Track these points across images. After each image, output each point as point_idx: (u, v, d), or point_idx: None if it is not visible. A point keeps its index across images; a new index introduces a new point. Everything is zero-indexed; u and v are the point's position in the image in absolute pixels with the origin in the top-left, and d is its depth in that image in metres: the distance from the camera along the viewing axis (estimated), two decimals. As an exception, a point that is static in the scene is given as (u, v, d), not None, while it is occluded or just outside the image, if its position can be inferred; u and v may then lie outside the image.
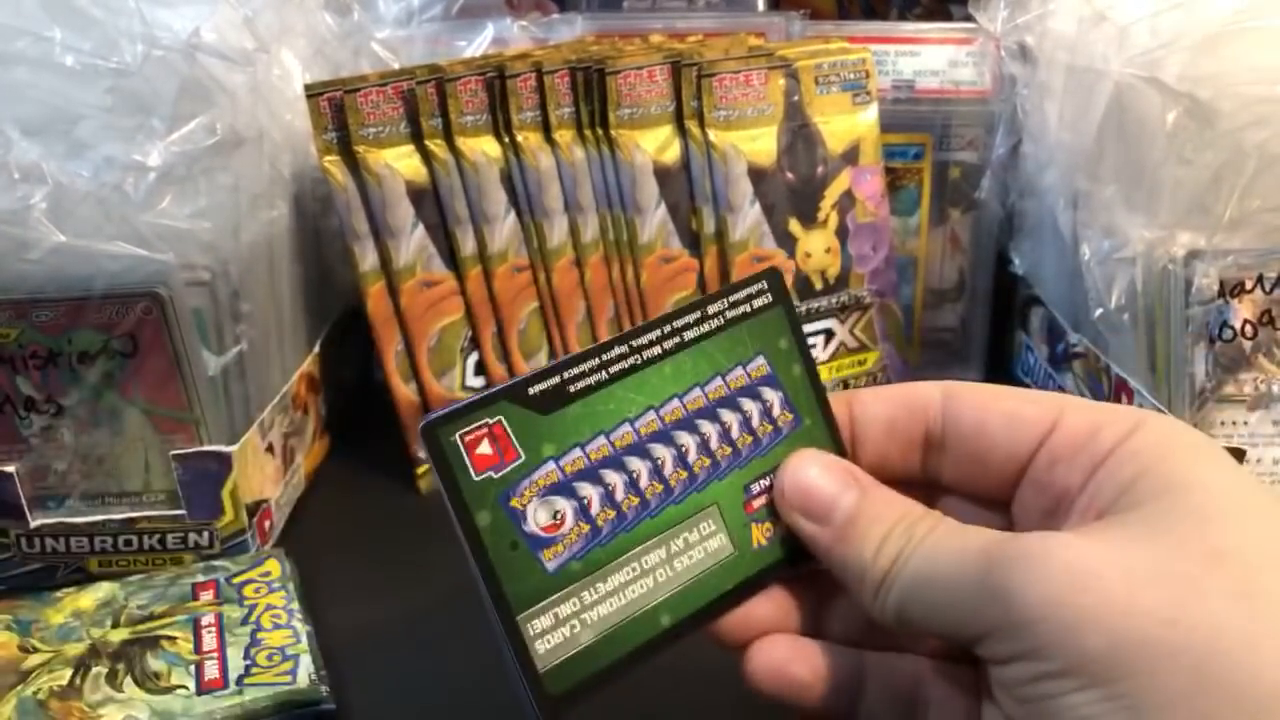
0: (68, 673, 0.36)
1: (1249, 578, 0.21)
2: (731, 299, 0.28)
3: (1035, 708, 0.22)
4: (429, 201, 0.48)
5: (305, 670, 0.36)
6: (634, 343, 0.27)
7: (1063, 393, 0.28)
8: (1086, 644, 0.21)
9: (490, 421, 0.25)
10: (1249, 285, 0.41)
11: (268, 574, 0.41)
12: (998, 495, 0.28)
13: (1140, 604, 0.21)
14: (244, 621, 0.38)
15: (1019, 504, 0.28)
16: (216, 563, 0.42)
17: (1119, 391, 0.46)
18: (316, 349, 0.52)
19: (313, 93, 0.46)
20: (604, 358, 0.26)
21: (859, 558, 0.26)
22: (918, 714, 0.28)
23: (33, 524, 0.41)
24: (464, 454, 0.25)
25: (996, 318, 0.60)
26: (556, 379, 0.26)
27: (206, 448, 0.41)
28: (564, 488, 0.26)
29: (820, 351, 0.53)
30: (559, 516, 0.26)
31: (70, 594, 0.40)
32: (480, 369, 0.50)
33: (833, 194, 0.52)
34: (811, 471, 0.28)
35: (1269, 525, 0.23)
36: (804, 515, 0.27)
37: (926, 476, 0.29)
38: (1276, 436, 0.43)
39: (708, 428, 0.28)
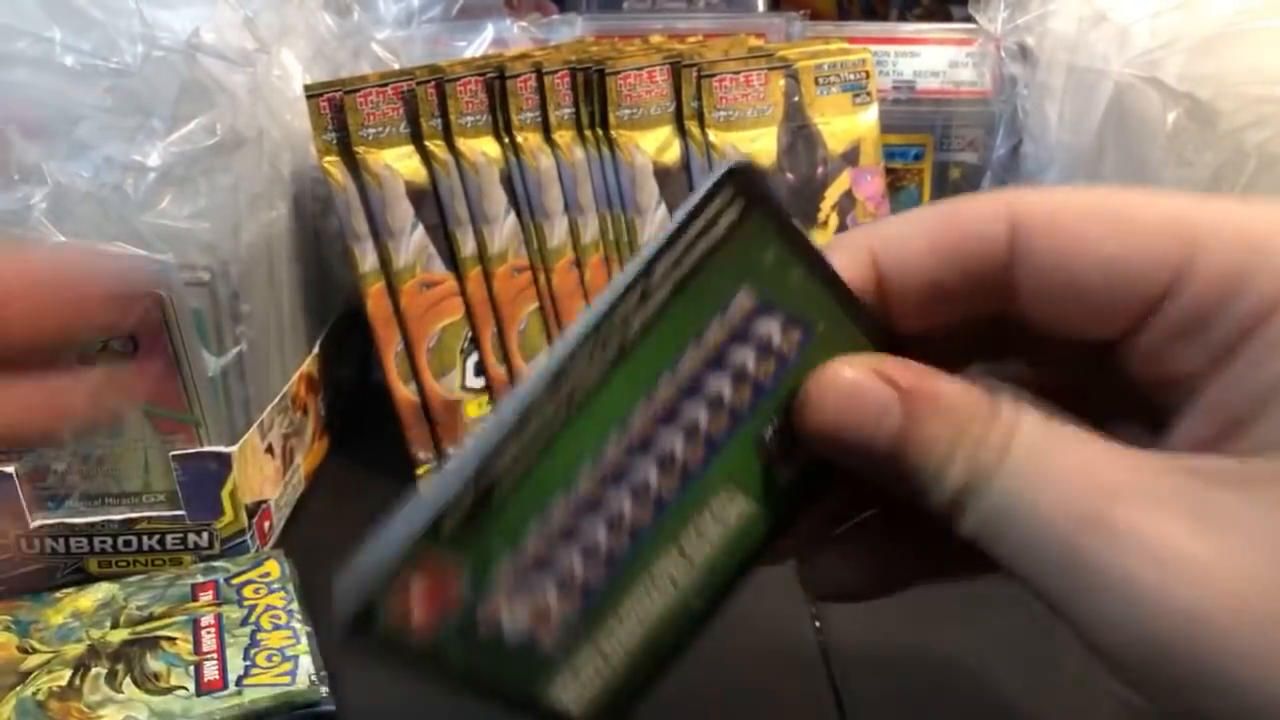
0: (67, 673, 0.36)
1: None
2: (686, 242, 0.21)
3: None
4: (429, 202, 0.48)
5: (305, 671, 0.36)
6: (572, 377, 0.20)
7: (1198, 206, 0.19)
8: (1208, 704, 0.17)
9: (411, 575, 0.20)
10: (1249, 286, 0.41)
11: (267, 575, 0.41)
12: (1098, 361, 0.21)
13: None
14: (243, 622, 0.38)
15: (1129, 375, 0.21)
16: (216, 563, 0.42)
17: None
18: (316, 349, 0.52)
19: (312, 93, 0.46)
20: (539, 418, 0.20)
21: (920, 478, 0.20)
22: None
23: (32, 524, 0.41)
24: (403, 631, 0.20)
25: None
26: (471, 497, 0.20)
27: (206, 448, 0.41)
28: (533, 575, 0.21)
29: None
30: (541, 603, 0.21)
31: (70, 594, 0.40)
32: (480, 370, 0.50)
33: (833, 195, 0.52)
34: (840, 381, 0.21)
35: None
36: (841, 441, 0.21)
37: (997, 338, 0.23)
38: (1277, 437, 0.43)
39: (692, 413, 0.22)
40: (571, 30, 0.59)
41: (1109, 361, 0.21)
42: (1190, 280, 0.19)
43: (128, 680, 0.36)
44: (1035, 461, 0.19)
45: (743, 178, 0.21)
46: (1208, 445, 0.19)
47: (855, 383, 0.21)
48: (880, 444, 0.20)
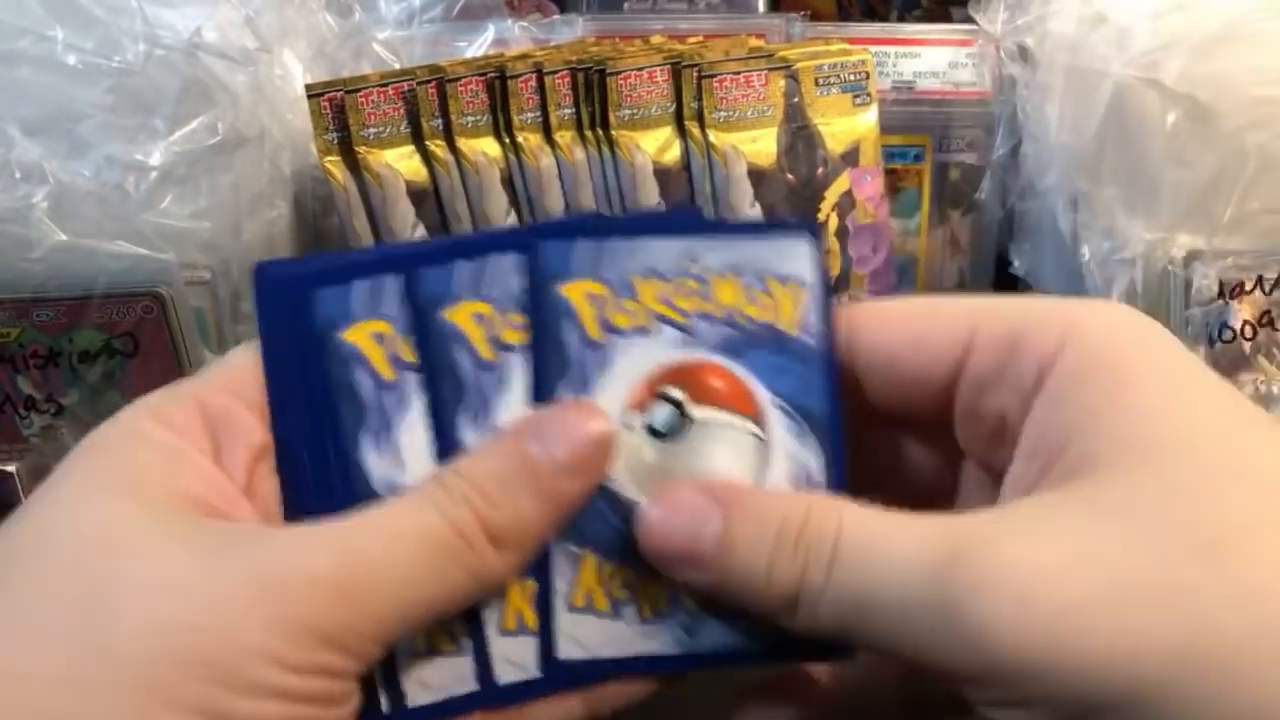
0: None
1: (1258, 576, 0.19)
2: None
3: None
4: (429, 202, 0.48)
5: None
6: None
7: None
8: (1087, 693, 0.18)
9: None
10: (1249, 286, 0.41)
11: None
12: (936, 424, 0.25)
13: (1144, 641, 0.18)
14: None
15: (961, 435, 0.24)
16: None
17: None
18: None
19: (314, 93, 0.46)
20: None
21: (751, 582, 0.22)
22: None
23: (33, 523, 0.41)
24: None
25: (996, 319, 0.60)
26: None
27: (207, 447, 0.41)
28: None
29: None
30: None
31: (70, 593, 0.40)
32: (480, 369, 0.50)
33: (833, 195, 0.52)
34: (665, 495, 0.23)
35: (1260, 483, 0.20)
36: (670, 552, 0.23)
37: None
38: (1276, 437, 0.43)
39: None
40: (572, 30, 0.59)
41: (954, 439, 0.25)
42: (978, 345, 0.23)
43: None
44: (869, 545, 0.21)
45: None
46: (1032, 485, 0.22)
47: (679, 495, 0.23)
48: (706, 550, 0.22)
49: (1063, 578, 0.19)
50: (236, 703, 0.19)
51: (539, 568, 0.24)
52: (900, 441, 0.26)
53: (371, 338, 0.24)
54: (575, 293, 0.24)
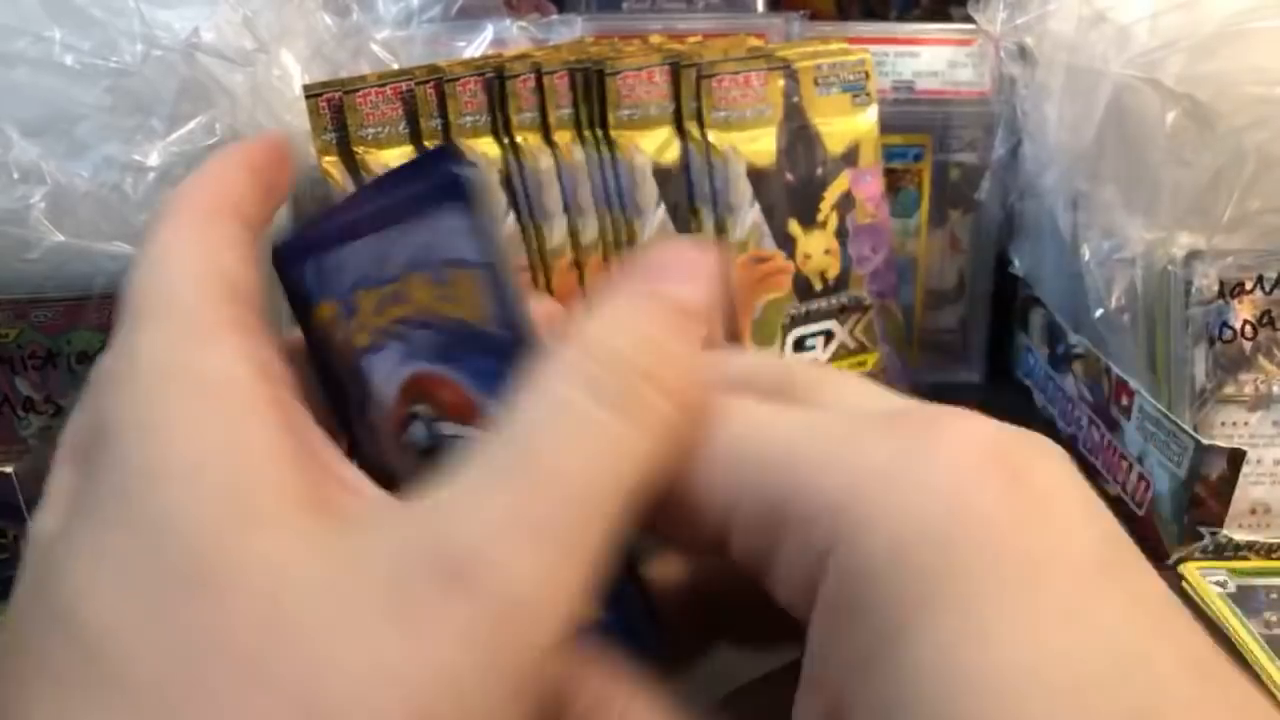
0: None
1: None
2: None
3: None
4: (428, 202, 0.48)
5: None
6: None
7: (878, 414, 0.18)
8: None
9: None
10: (1249, 286, 0.41)
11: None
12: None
13: None
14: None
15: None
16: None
17: (1119, 393, 0.46)
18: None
19: (312, 93, 0.46)
20: None
21: None
22: None
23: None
24: None
25: (996, 319, 0.60)
26: None
27: (205, 448, 0.41)
28: None
29: (820, 353, 0.53)
30: None
31: (69, 595, 0.40)
32: (480, 370, 0.50)
33: (832, 195, 0.52)
34: None
35: None
36: None
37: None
38: (1277, 437, 0.43)
39: None
40: (571, 30, 0.59)
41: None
42: (736, 526, 0.18)
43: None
44: None
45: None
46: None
47: None
48: None
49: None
50: None
51: None
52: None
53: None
54: (325, 316, 0.22)
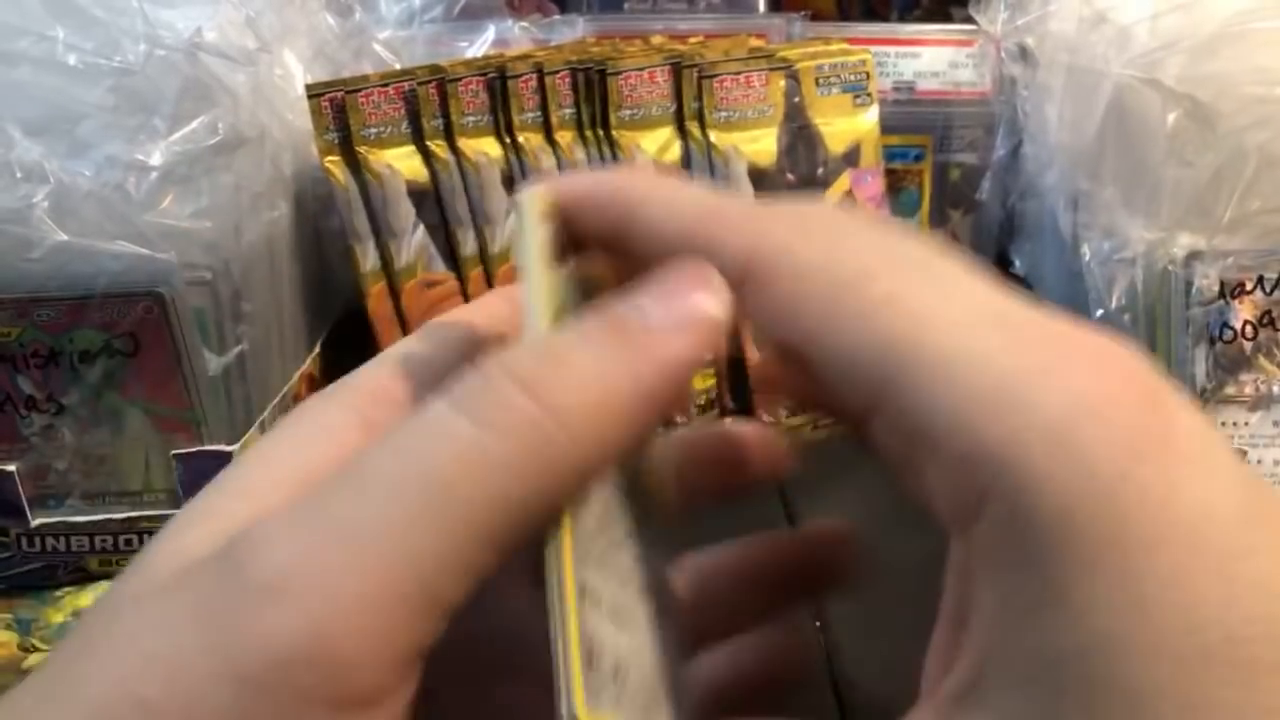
0: (68, 672, 0.36)
1: None
2: None
3: None
4: (430, 202, 0.48)
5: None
6: None
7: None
8: None
9: None
10: (1249, 286, 0.41)
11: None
12: None
13: None
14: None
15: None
16: (217, 562, 0.42)
17: (1119, 392, 0.46)
18: (317, 349, 0.52)
19: (314, 93, 0.46)
20: None
21: None
22: None
23: (33, 523, 0.41)
24: None
25: (997, 319, 0.60)
26: None
27: (207, 447, 0.41)
28: None
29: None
30: None
31: (70, 593, 0.40)
32: (481, 369, 0.50)
33: (833, 195, 0.52)
34: None
35: None
36: None
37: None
38: (1277, 438, 0.43)
39: None
40: (573, 31, 0.59)
41: None
42: (876, 426, 0.18)
43: (129, 678, 0.36)
44: None
45: None
46: (940, 674, 0.18)
47: None
48: None
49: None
50: None
51: None
52: None
53: None
54: None
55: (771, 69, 0.50)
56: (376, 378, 0.21)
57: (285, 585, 0.15)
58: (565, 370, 0.17)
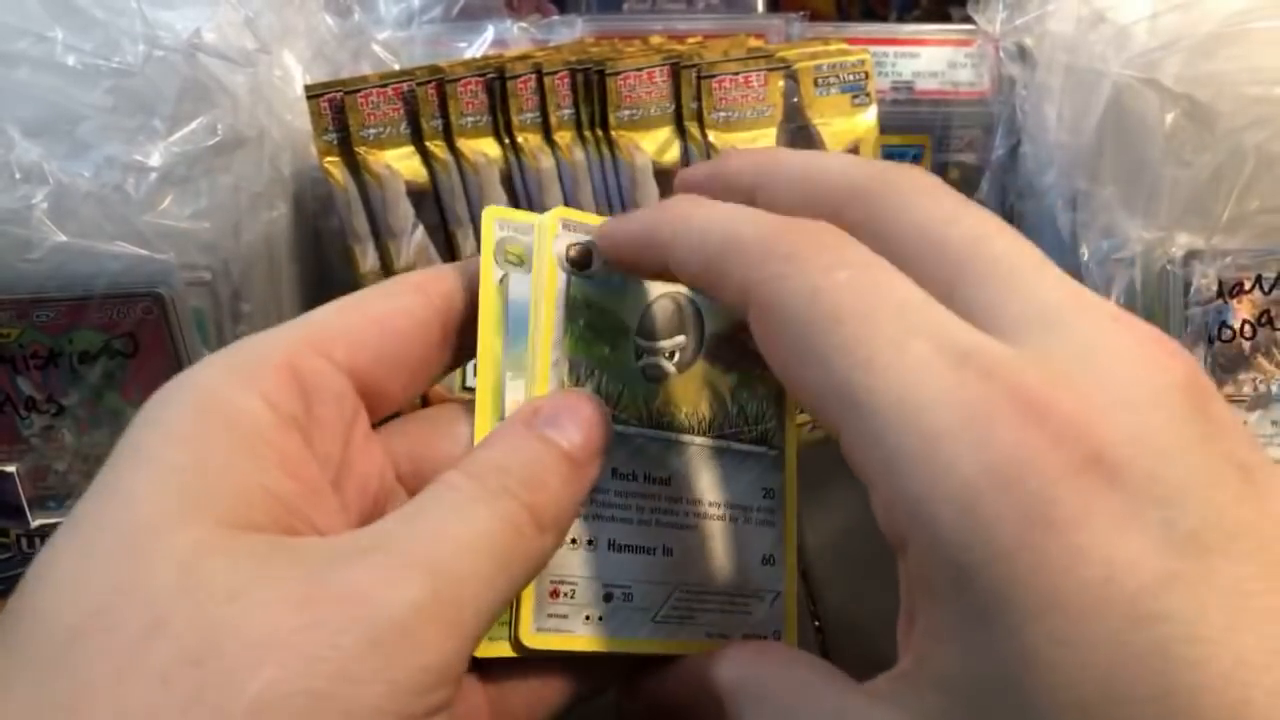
0: (68, 672, 0.36)
1: None
2: None
3: None
4: (429, 202, 0.48)
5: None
6: None
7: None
8: None
9: None
10: (1248, 286, 0.41)
11: (268, 574, 0.41)
12: None
13: None
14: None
15: None
16: (217, 563, 0.42)
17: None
18: (316, 350, 0.52)
19: (313, 93, 0.46)
20: None
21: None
22: None
23: (33, 524, 0.41)
24: None
25: (996, 319, 0.60)
26: None
27: (207, 448, 0.41)
28: None
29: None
30: None
31: (70, 594, 0.40)
32: (480, 369, 0.50)
33: (832, 195, 0.52)
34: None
35: None
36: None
37: None
38: (1276, 437, 0.43)
39: None
40: (571, 31, 0.59)
41: None
42: None
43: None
44: None
45: None
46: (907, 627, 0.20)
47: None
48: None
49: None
50: None
51: None
52: None
53: None
54: None
55: (770, 69, 0.50)
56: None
57: (401, 621, 0.19)
58: (544, 493, 0.23)
